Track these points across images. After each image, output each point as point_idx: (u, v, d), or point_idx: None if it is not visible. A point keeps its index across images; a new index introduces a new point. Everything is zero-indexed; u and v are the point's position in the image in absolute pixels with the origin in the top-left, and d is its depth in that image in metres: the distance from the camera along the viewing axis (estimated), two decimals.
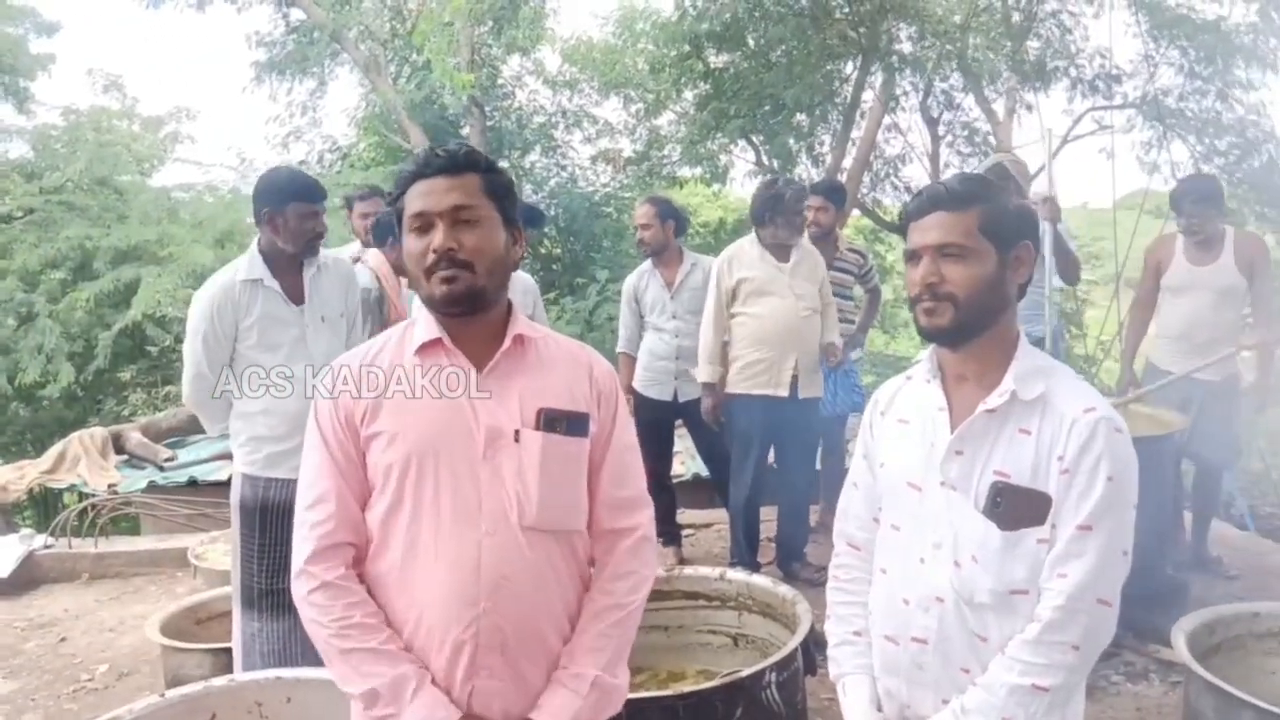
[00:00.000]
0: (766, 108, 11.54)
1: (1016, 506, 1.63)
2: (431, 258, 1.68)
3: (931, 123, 12.97)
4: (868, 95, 12.12)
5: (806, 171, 12.74)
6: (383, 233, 4.42)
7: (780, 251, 4.71)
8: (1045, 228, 4.44)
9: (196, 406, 3.50)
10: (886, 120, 12.68)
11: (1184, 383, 4.61)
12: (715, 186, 13.14)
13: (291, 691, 2.99)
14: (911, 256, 1.72)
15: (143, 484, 6.63)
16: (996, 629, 1.66)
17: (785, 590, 3.50)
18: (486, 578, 1.67)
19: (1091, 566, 1.59)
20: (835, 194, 5.52)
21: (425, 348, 1.74)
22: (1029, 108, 12.84)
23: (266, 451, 3.33)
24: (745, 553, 4.80)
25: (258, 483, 3.35)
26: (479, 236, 1.70)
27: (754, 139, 12.48)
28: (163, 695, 2.93)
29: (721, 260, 4.74)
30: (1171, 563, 4.68)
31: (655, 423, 5.06)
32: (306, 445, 1.78)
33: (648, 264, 5.21)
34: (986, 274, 1.67)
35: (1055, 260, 4.59)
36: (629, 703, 1.86)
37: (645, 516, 1.87)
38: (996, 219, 1.68)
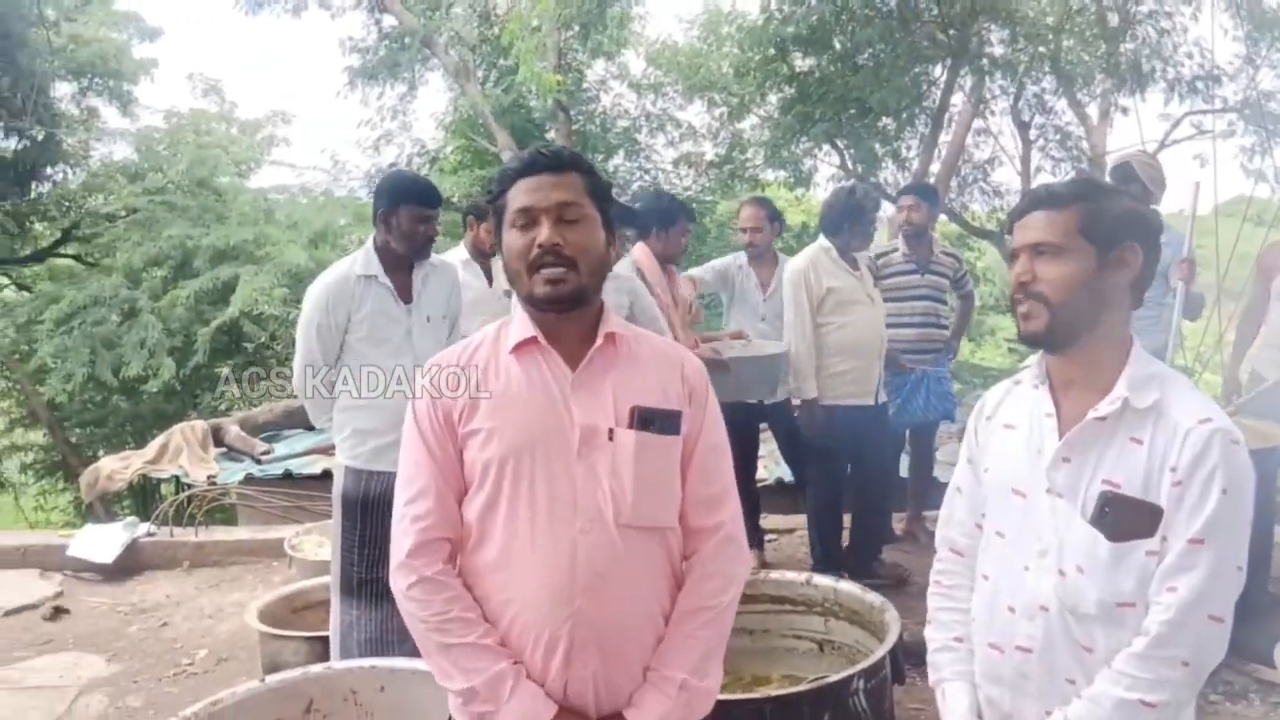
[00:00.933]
0: (852, 111, 11.41)
1: (1126, 517, 1.60)
2: (536, 253, 1.71)
3: (1023, 126, 12.73)
4: (956, 99, 11.95)
5: (892, 176, 12.61)
6: (647, 223, 4.53)
7: (852, 260, 4.69)
8: (1179, 287, 4.40)
9: (306, 396, 3.61)
10: (976, 124, 12.48)
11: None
12: (798, 191, 13.01)
13: (386, 681, 3.06)
14: (1012, 256, 1.72)
15: (240, 476, 6.85)
16: (1103, 640, 1.63)
17: (873, 598, 3.47)
18: (582, 575, 1.70)
19: (1203, 581, 1.56)
20: (928, 193, 5.46)
21: (521, 346, 1.77)
22: (1124, 111, 12.55)
23: (372, 445, 3.43)
24: (826, 558, 4.78)
25: (360, 475, 3.45)
26: (582, 234, 1.73)
27: (839, 143, 12.36)
28: (262, 680, 3.03)
29: (803, 270, 4.61)
30: (1272, 579, 4.54)
31: (739, 425, 5.03)
32: (404, 441, 1.82)
33: (743, 258, 5.18)
34: (1081, 273, 1.65)
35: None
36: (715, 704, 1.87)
37: (730, 513, 1.86)
38: (1096, 218, 1.66)
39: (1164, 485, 1.60)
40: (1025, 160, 12.82)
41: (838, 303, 4.61)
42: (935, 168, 11.95)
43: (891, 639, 3.09)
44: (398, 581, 1.77)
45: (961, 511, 1.90)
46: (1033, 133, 12.89)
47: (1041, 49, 10.81)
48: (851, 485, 4.91)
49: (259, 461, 7.00)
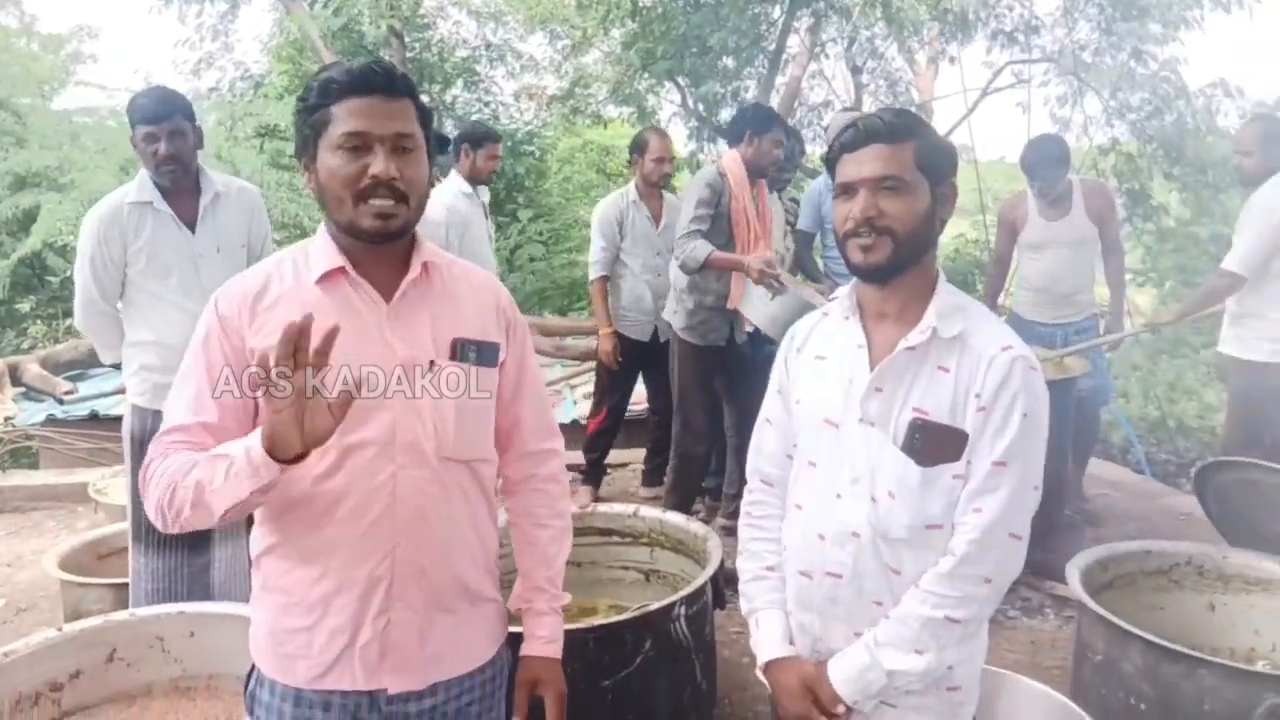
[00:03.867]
0: (693, 50, 11.41)
1: (934, 443, 1.64)
2: (368, 183, 1.58)
3: (855, 71, 12.99)
4: (793, 41, 12.08)
5: (731, 115, 12.68)
6: (739, 130, 4.45)
7: None
8: None
9: (89, 332, 3.41)
10: (811, 68, 12.66)
11: (1048, 330, 4.94)
12: (641, 126, 12.97)
13: (194, 626, 2.94)
14: (846, 190, 1.69)
15: (41, 417, 6.40)
16: (911, 563, 1.68)
17: (697, 527, 3.54)
18: (402, 512, 1.63)
19: (1005, 501, 1.62)
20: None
21: (327, 276, 1.66)
22: (951, 59, 12.97)
23: (154, 382, 3.24)
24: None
25: (145, 415, 3.27)
26: (415, 167, 1.63)
27: (680, 81, 12.35)
28: (59, 630, 2.86)
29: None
30: (1068, 503, 4.87)
31: (634, 361, 5.17)
32: (179, 376, 1.68)
33: (632, 194, 5.11)
34: (923, 208, 1.67)
35: None
36: None
37: (561, 443, 1.94)
38: (931, 153, 1.67)
39: (969, 411, 1.64)
40: (857, 105, 13.10)
41: None
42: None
43: (712, 566, 3.15)
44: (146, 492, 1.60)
45: (771, 443, 1.91)
46: (864, 78, 13.17)
47: None
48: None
49: (61, 401, 6.55)
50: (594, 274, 5.14)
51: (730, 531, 3.81)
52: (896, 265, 1.68)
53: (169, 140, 3.18)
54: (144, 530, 3.31)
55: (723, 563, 3.17)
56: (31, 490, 5.49)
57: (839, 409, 1.74)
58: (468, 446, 1.71)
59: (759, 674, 1.86)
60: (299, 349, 1.36)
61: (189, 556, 3.36)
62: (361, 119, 1.59)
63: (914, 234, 1.66)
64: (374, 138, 1.59)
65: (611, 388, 5.27)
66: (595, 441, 5.33)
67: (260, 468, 1.44)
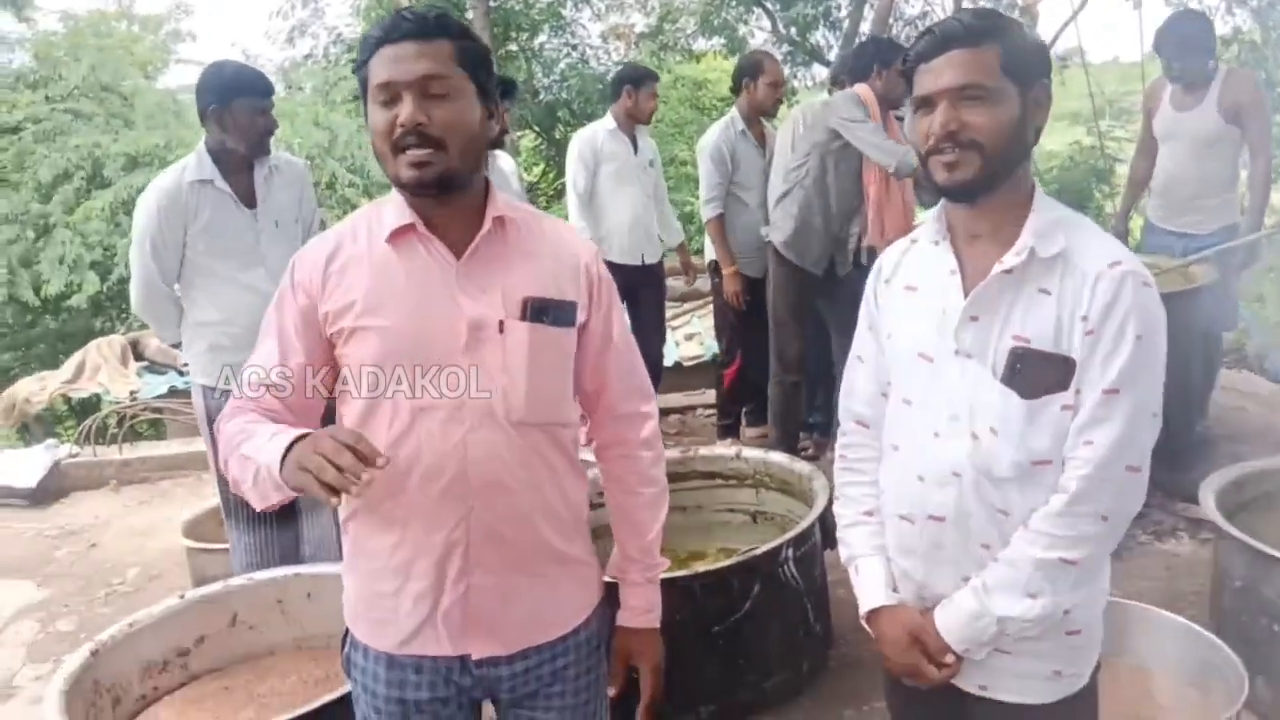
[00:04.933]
0: None
1: (1038, 372, 1.51)
2: (399, 132, 1.52)
3: None
4: None
5: (824, 38, 12.31)
6: (866, 64, 4.37)
7: None
8: None
9: (147, 315, 3.39)
10: None
11: (1170, 239, 4.52)
12: (735, 57, 12.70)
13: (311, 587, 3.01)
14: (924, 104, 1.54)
15: (164, 389, 6.64)
16: (1019, 502, 1.56)
17: (802, 466, 3.47)
18: (475, 476, 1.59)
19: (1120, 432, 1.48)
20: None
21: (397, 234, 1.60)
22: None
23: (224, 362, 3.23)
24: None
25: (215, 394, 3.27)
26: (452, 110, 1.54)
27: (769, 5, 12.01)
28: (181, 596, 2.96)
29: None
30: (1200, 420, 4.58)
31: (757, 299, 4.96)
32: (259, 338, 1.69)
33: (740, 123, 4.96)
34: (1012, 117, 1.51)
35: None
36: None
37: (654, 405, 1.86)
38: (1018, 55, 1.51)
39: (1075, 336, 1.50)
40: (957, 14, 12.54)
41: None
42: (866, 27, 11.64)
43: (819, 507, 3.07)
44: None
45: (864, 381, 1.79)
46: None
47: None
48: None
49: (182, 373, 6.77)
50: (710, 212, 4.92)
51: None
52: (986, 181, 1.53)
53: (269, 115, 3.20)
54: (233, 506, 3.35)
55: (830, 503, 3.09)
56: (159, 461, 5.68)
57: (933, 342, 1.62)
58: (542, 409, 1.64)
59: (863, 623, 1.77)
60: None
61: (278, 531, 3.40)
62: (390, 67, 1.53)
63: (1004, 146, 1.51)
64: (401, 85, 1.52)
65: (743, 329, 5.05)
66: (736, 391, 5.15)
67: (282, 487, 1.47)
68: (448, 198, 1.59)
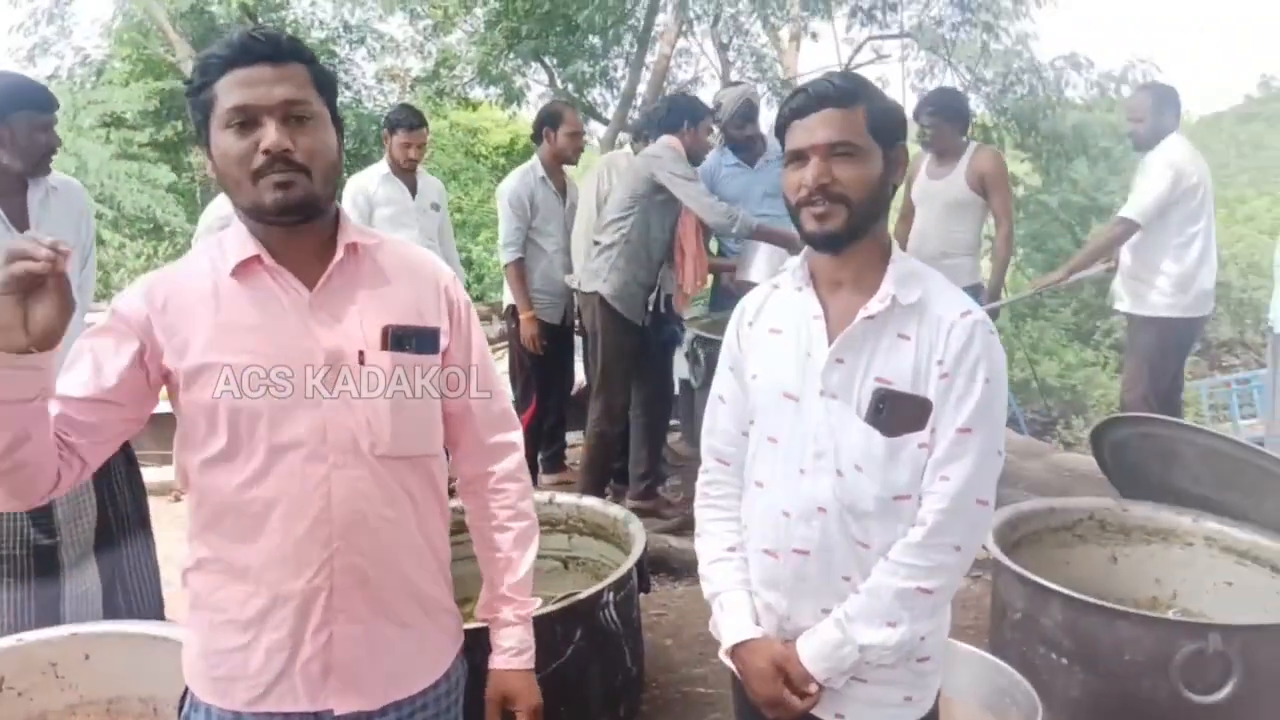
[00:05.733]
0: (559, 29, 11.31)
1: (899, 412, 1.62)
2: (261, 159, 1.45)
3: (722, 48, 13.11)
4: (660, 19, 12.09)
5: (601, 95, 12.65)
6: (676, 119, 4.35)
7: None
8: None
9: None
10: (678, 44, 12.70)
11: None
12: (511, 108, 12.79)
13: (90, 647, 2.75)
14: (797, 157, 1.64)
15: None
16: (879, 535, 1.65)
17: (616, 510, 3.50)
18: (339, 515, 1.52)
19: (972, 468, 1.60)
20: None
21: (243, 266, 1.52)
22: (813, 35, 13.21)
23: None
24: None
25: None
26: (313, 136, 1.49)
27: (547, 61, 12.22)
28: None
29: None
30: None
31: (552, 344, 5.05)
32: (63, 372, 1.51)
33: (540, 170, 4.98)
34: (876, 174, 1.62)
35: None
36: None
37: (520, 435, 1.83)
38: (883, 117, 1.63)
39: (932, 378, 1.62)
40: (725, 80, 13.21)
41: None
42: (642, 88, 12.06)
43: (638, 550, 3.10)
44: None
45: (725, 420, 1.86)
46: (731, 54, 13.31)
47: None
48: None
49: None
50: (508, 256, 4.92)
51: (641, 513, 3.77)
52: (851, 233, 1.64)
53: (52, 132, 2.93)
54: None
55: (645, 546, 3.13)
56: None
57: (797, 382, 1.70)
58: (409, 442, 1.59)
59: (724, 658, 1.81)
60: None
61: (37, 588, 3.05)
62: (245, 91, 1.46)
63: (868, 200, 1.63)
64: (261, 109, 1.45)
65: (538, 374, 5.08)
66: (532, 436, 5.09)
67: None
68: (304, 225, 1.53)
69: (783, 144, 1.68)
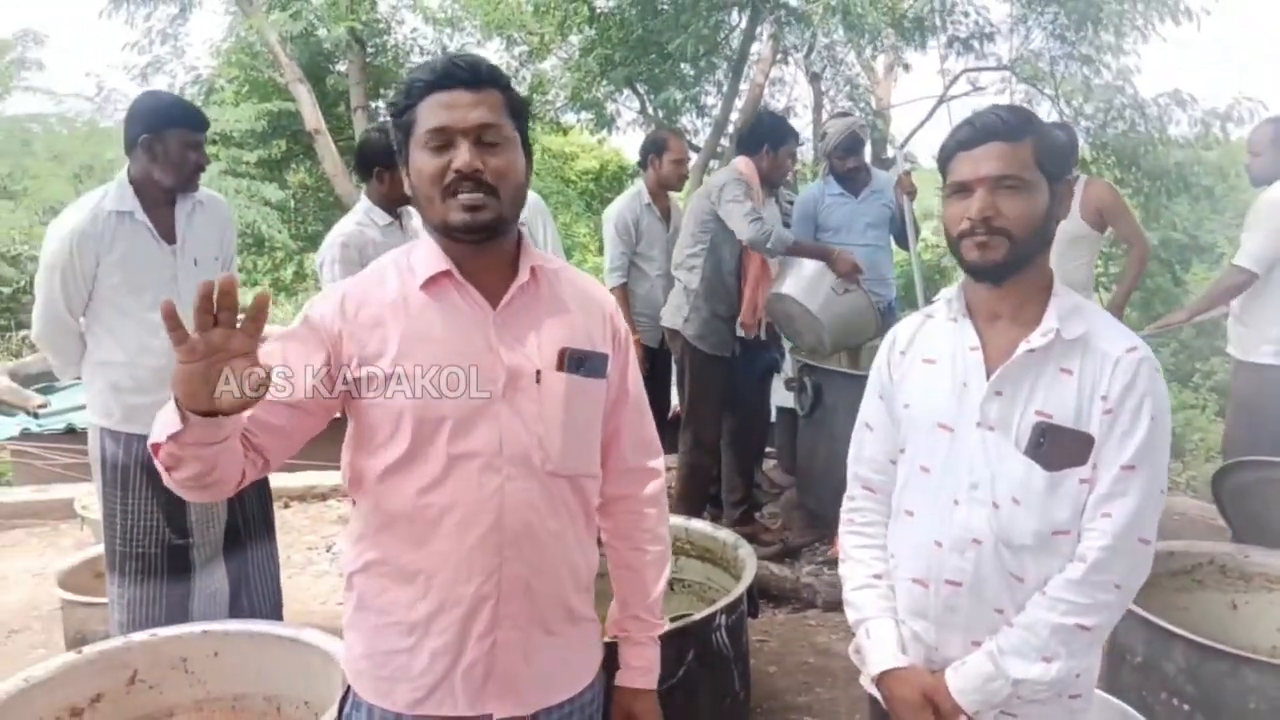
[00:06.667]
0: (652, 56, 11.41)
1: (1061, 446, 1.62)
2: (452, 177, 1.52)
3: (815, 78, 13.10)
4: (754, 48, 12.12)
5: (692, 123, 12.72)
6: (757, 141, 4.47)
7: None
8: (905, 200, 4.76)
9: (47, 347, 3.15)
10: (771, 74, 12.72)
11: None
12: (601, 134, 12.93)
13: (218, 645, 2.85)
14: (961, 189, 1.66)
15: (14, 431, 6.17)
16: (1034, 569, 1.65)
17: (725, 534, 3.50)
18: (510, 526, 1.57)
19: (1135, 506, 1.59)
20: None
21: (433, 281, 1.60)
22: (906, 67, 13.14)
23: (126, 403, 3.04)
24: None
25: (117, 438, 3.07)
26: (503, 159, 1.56)
27: (639, 88, 12.34)
28: (79, 652, 2.75)
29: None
30: None
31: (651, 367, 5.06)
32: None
33: (645, 195, 5.05)
34: (1041, 208, 1.63)
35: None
36: None
37: (662, 462, 1.87)
38: (1050, 152, 1.64)
39: (1095, 414, 1.61)
40: (817, 110, 13.22)
41: None
42: (734, 115, 12.11)
43: (749, 574, 3.11)
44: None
45: (872, 448, 1.88)
46: (824, 84, 13.29)
47: (833, 2, 11.09)
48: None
49: (35, 416, 6.30)
50: (613, 281, 5.01)
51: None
52: (1013, 265, 1.65)
53: (202, 151, 3.06)
54: (118, 558, 3.12)
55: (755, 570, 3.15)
56: (11, 508, 5.26)
57: (953, 413, 1.71)
58: (575, 461, 1.65)
59: (869, 686, 1.82)
60: (221, 308, 1.29)
61: (168, 586, 3.17)
62: (443, 113, 1.54)
63: (1032, 234, 1.64)
64: (456, 131, 1.53)
65: None
66: None
67: (173, 412, 1.37)
68: (489, 243, 1.60)
69: (944, 175, 1.70)
